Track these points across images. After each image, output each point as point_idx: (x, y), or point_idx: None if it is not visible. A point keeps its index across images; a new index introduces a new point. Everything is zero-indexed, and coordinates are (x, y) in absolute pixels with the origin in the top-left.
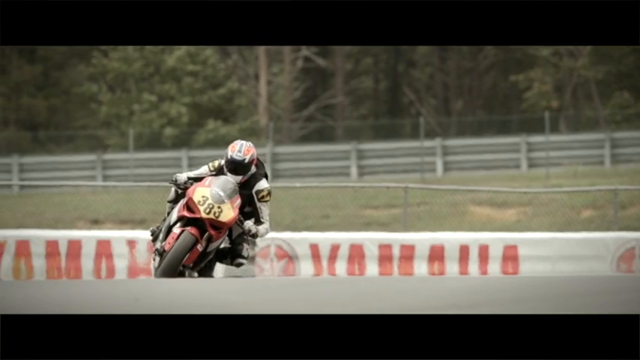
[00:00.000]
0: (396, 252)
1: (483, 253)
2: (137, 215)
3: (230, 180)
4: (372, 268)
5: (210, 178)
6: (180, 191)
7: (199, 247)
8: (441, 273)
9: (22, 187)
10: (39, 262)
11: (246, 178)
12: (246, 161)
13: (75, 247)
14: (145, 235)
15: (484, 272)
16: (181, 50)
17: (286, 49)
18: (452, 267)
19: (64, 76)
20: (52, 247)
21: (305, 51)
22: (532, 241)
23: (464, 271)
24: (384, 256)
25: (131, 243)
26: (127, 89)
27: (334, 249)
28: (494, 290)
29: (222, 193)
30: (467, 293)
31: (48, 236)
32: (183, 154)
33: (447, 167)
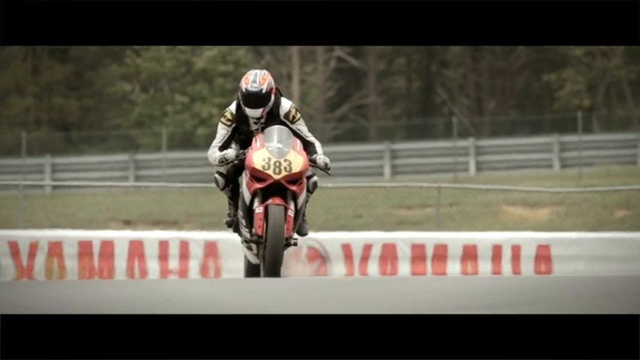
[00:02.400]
0: (428, 252)
1: (516, 252)
2: (169, 216)
3: (278, 127)
4: (404, 268)
5: (257, 138)
6: (226, 172)
7: (291, 213)
8: (474, 273)
9: (54, 187)
10: (71, 263)
11: (267, 109)
12: (264, 91)
13: (108, 247)
14: (177, 235)
15: (517, 272)
16: (213, 50)
17: (319, 49)
18: (485, 267)
19: (96, 76)
20: (84, 247)
21: (338, 51)
22: (565, 241)
23: (497, 271)
24: (417, 255)
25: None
26: (160, 89)
27: (366, 249)
28: (528, 290)
29: (280, 145)
30: (500, 293)
31: (80, 236)
32: None
33: (479, 167)
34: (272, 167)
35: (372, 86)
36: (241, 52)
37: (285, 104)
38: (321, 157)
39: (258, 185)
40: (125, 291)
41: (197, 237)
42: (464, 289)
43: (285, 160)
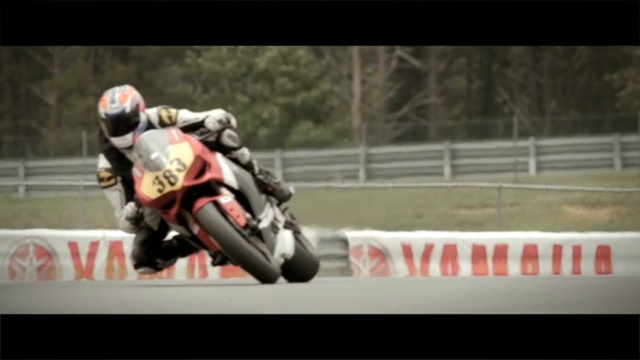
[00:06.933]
0: (489, 251)
1: (576, 252)
2: None
3: (141, 138)
4: (465, 268)
5: (135, 168)
6: (143, 256)
7: (225, 199)
8: (535, 273)
9: None
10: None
11: (139, 132)
12: (128, 110)
13: None
14: None
15: (577, 272)
16: (273, 51)
17: (380, 50)
18: (545, 267)
19: (157, 76)
20: None
21: (399, 51)
22: (625, 241)
23: (557, 271)
24: (478, 255)
25: None
26: (221, 89)
27: (428, 248)
28: (588, 290)
29: (157, 153)
30: (560, 293)
31: None
32: (276, 155)
33: (540, 167)
34: (166, 182)
35: (432, 86)
36: (301, 52)
37: (153, 115)
38: (209, 120)
39: (173, 210)
40: (185, 291)
41: None
42: (524, 289)
43: (172, 162)
